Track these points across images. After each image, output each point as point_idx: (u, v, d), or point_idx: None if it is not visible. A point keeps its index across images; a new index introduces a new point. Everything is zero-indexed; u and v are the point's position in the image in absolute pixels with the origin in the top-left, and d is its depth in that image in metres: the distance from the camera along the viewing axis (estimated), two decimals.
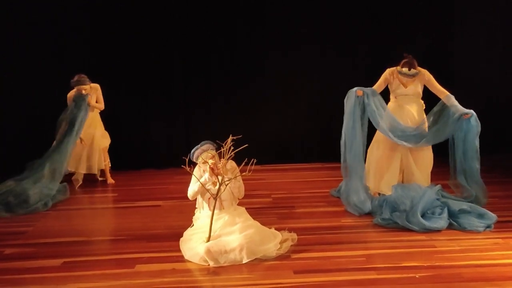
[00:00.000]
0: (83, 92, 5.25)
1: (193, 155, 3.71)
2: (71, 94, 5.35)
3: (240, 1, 6.01)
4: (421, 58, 4.79)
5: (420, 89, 4.59)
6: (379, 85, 4.64)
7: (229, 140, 3.49)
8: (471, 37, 6.11)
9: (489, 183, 5.07)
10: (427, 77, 4.55)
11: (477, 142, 4.39)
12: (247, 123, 5.93)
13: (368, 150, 4.69)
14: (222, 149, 3.54)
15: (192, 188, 3.69)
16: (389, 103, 4.70)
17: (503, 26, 6.11)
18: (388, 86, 4.66)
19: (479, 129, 4.37)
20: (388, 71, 4.64)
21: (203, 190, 3.64)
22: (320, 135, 6.21)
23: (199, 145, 3.71)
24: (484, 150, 6.13)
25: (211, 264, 3.40)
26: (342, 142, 4.51)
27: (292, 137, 6.21)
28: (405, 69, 4.47)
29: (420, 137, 4.47)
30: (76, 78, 5.26)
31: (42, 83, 5.83)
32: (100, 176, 5.53)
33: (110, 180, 5.51)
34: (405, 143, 4.45)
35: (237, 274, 3.29)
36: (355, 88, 4.51)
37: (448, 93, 4.51)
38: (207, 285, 3.20)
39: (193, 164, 3.68)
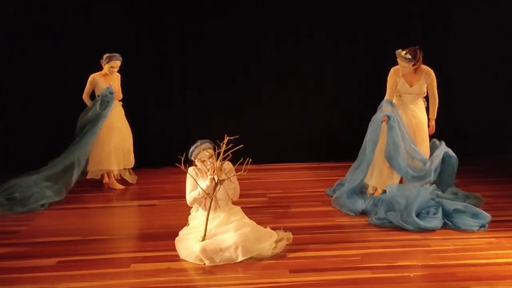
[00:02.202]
0: (115, 70, 5.09)
1: (191, 153, 3.65)
2: (96, 76, 5.13)
3: (239, 0, 6.01)
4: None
5: (425, 89, 4.57)
6: (391, 90, 4.57)
7: (225, 140, 3.48)
8: (471, 37, 6.13)
9: (483, 182, 5.14)
10: (431, 78, 4.54)
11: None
12: (243, 122, 5.93)
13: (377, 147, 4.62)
14: (218, 150, 3.53)
15: (193, 196, 3.64)
16: (393, 100, 4.68)
17: (500, 25, 6.15)
18: None
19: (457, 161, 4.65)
20: (392, 70, 4.61)
21: (202, 195, 3.61)
22: (316, 134, 6.21)
23: (198, 143, 3.66)
24: (479, 150, 6.24)
25: (207, 263, 3.39)
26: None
27: (288, 136, 6.21)
28: (403, 52, 4.44)
29: (423, 178, 4.45)
30: (108, 54, 5.06)
31: (54, 81, 5.83)
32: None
33: (106, 180, 5.46)
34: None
35: (232, 273, 3.29)
36: (380, 116, 4.44)
37: (435, 113, 4.62)
38: (203, 284, 3.20)
39: (188, 163, 3.67)
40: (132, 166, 5.40)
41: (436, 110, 4.65)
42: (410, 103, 4.60)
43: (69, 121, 5.36)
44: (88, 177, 5.25)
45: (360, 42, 6.10)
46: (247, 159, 3.47)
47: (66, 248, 3.74)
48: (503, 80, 6.24)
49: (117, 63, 5.11)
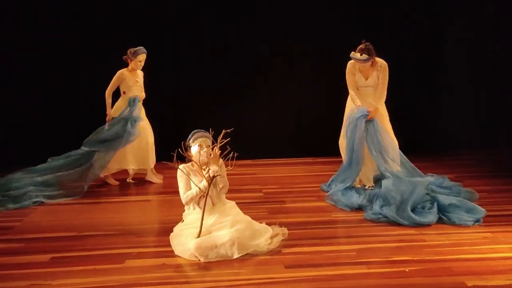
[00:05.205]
0: (142, 63, 5.00)
1: (192, 136, 3.61)
2: (124, 71, 5.03)
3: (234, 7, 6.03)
4: (411, 52, 4.79)
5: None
6: (352, 84, 4.66)
7: (222, 133, 3.46)
8: (466, 32, 6.17)
9: (478, 177, 5.17)
10: (382, 69, 4.57)
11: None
12: (238, 117, 5.93)
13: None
14: (214, 145, 3.52)
15: (190, 197, 3.58)
16: (349, 97, 4.76)
17: (494, 22, 6.18)
18: None
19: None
20: (350, 65, 4.69)
21: (200, 195, 3.56)
22: (311, 130, 6.22)
23: (202, 130, 3.64)
24: (474, 145, 6.27)
25: (202, 259, 3.37)
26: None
27: (284, 132, 6.22)
28: (357, 54, 4.51)
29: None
30: (133, 49, 4.95)
31: (60, 77, 5.88)
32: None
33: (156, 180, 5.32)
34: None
35: (228, 269, 3.27)
36: (360, 118, 4.53)
37: (380, 102, 4.60)
38: (198, 280, 3.18)
39: (180, 160, 3.63)
40: (151, 167, 5.23)
41: (381, 100, 4.62)
42: (367, 96, 4.67)
43: (73, 117, 5.37)
44: (102, 174, 5.14)
45: (353, 39, 6.07)
46: (233, 153, 3.42)
47: (60, 244, 3.71)
48: (498, 75, 6.27)
49: (144, 56, 5.03)
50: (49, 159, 5.05)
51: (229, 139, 3.44)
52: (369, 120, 4.53)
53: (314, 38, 6.12)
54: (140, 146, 5.12)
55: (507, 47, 6.20)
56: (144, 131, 5.16)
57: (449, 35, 6.21)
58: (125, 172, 5.35)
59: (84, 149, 5.00)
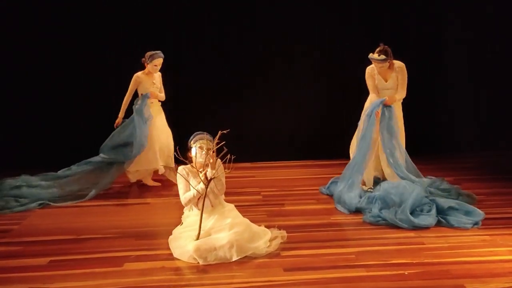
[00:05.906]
0: (158, 67, 4.99)
1: (194, 137, 3.63)
2: (140, 74, 5.02)
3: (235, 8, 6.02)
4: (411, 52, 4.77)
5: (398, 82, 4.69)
6: (373, 87, 4.71)
7: (219, 135, 3.46)
8: (466, 33, 6.16)
9: (477, 180, 5.16)
10: (401, 70, 4.64)
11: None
12: (238, 118, 5.92)
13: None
14: (213, 144, 3.52)
15: (188, 198, 3.60)
16: (370, 98, 4.75)
17: (493, 24, 6.16)
18: None
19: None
20: (368, 69, 4.72)
21: (197, 196, 3.57)
22: (311, 132, 6.20)
23: (203, 133, 3.65)
24: (472, 148, 6.26)
25: (200, 262, 3.38)
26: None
27: (283, 134, 6.20)
28: (375, 55, 4.55)
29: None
30: (150, 53, 4.94)
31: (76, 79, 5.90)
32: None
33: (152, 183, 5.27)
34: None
35: (226, 272, 3.28)
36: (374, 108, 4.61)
37: (398, 95, 4.64)
38: (197, 283, 3.18)
39: (178, 163, 3.63)
40: (171, 166, 5.17)
41: (399, 95, 4.67)
42: None
43: (73, 118, 5.37)
44: (133, 180, 5.18)
45: (354, 41, 6.08)
46: (229, 156, 3.42)
47: (58, 247, 3.71)
48: (498, 75, 6.25)
49: (160, 60, 5.02)
50: (73, 166, 5.03)
51: (224, 142, 3.43)
52: (385, 105, 4.59)
53: (314, 38, 6.11)
54: (163, 145, 5.13)
55: (507, 47, 6.18)
56: (161, 131, 5.15)
57: (449, 35, 6.19)
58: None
59: (103, 156, 5.01)
